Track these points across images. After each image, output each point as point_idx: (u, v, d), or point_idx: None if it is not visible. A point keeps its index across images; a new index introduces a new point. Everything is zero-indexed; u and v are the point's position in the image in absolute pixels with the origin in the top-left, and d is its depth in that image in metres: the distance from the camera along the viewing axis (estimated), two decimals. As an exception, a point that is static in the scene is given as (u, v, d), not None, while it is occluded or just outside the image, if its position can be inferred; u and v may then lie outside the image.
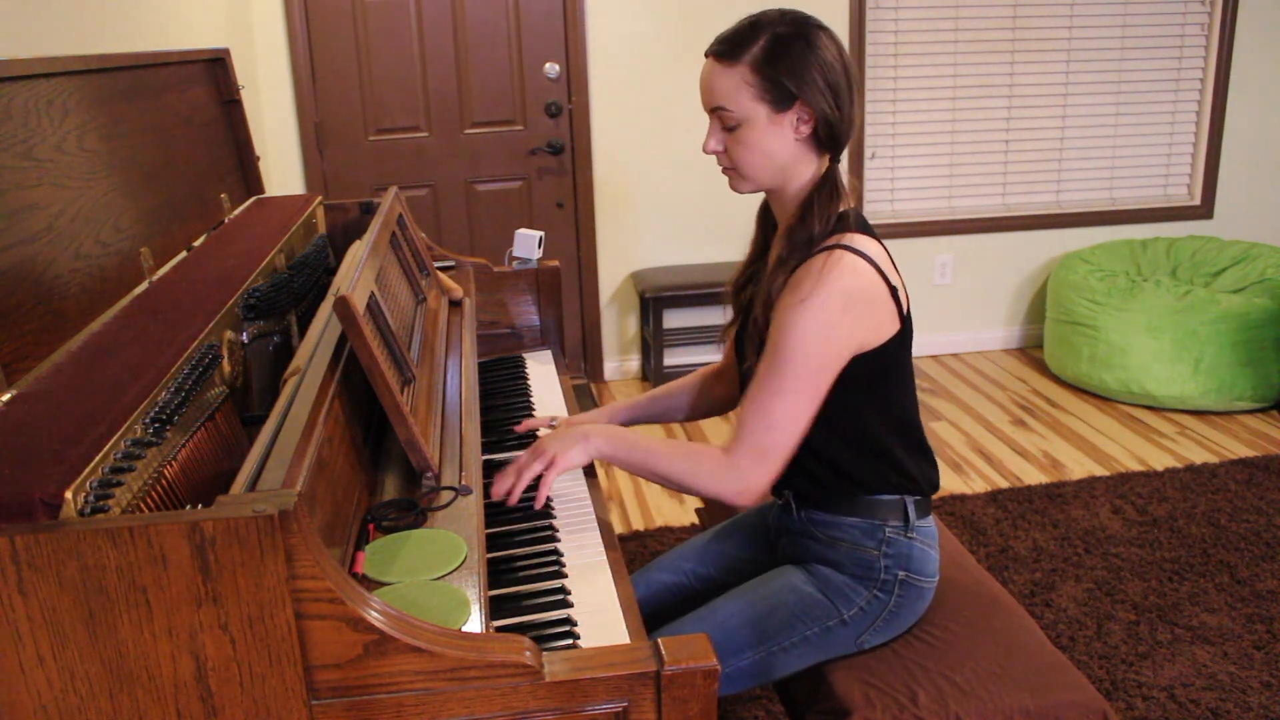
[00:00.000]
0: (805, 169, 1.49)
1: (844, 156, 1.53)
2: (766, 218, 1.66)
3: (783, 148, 1.46)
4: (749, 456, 1.42)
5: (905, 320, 1.49)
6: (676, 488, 1.48)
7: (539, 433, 1.79)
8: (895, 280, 1.47)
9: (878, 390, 1.49)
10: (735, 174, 1.51)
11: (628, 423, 1.83)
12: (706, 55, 1.49)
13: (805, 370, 1.40)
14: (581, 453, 1.49)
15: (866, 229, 1.48)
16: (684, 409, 1.85)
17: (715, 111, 1.48)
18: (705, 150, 1.51)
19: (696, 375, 1.85)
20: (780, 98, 1.43)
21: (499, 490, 1.50)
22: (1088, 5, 4.31)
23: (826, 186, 1.48)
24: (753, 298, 1.60)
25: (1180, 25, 4.40)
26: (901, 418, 1.54)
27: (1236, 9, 4.36)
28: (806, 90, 1.43)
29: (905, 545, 1.53)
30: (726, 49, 1.45)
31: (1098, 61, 4.38)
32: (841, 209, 1.48)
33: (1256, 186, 4.64)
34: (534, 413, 1.92)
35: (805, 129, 1.46)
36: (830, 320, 1.39)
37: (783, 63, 1.42)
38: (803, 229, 1.47)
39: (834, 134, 1.46)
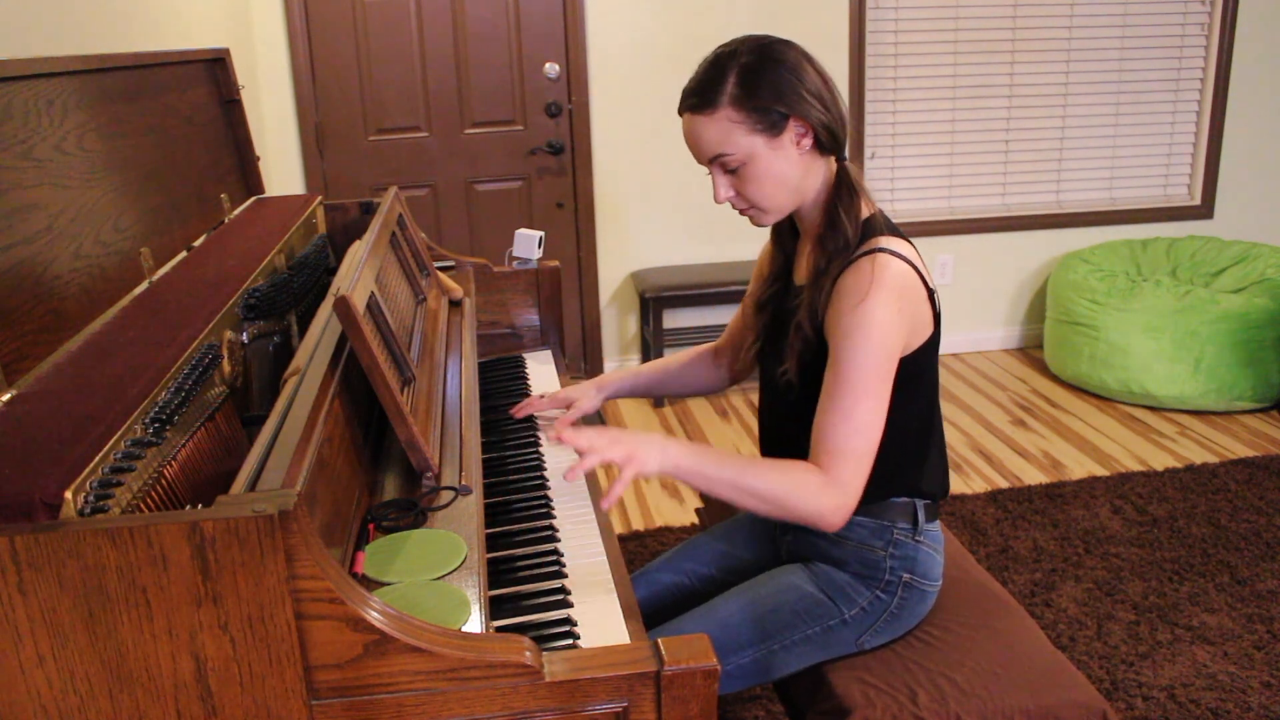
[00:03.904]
0: (816, 177, 1.49)
1: (848, 151, 1.52)
2: (783, 232, 1.63)
3: (791, 167, 1.45)
4: (847, 467, 1.38)
5: (937, 322, 1.49)
6: (769, 508, 1.38)
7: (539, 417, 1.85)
8: (931, 283, 1.47)
9: (907, 394, 1.48)
10: (755, 211, 1.50)
11: (620, 394, 1.87)
12: (681, 112, 1.47)
13: (878, 372, 1.39)
14: (657, 461, 1.36)
15: (896, 231, 1.48)
16: (675, 386, 1.88)
17: (715, 161, 1.46)
18: (717, 201, 1.48)
19: (692, 354, 1.88)
20: (772, 123, 1.42)
21: (568, 439, 1.39)
22: (1088, 5, 4.30)
23: (843, 188, 1.48)
24: (779, 313, 1.59)
25: (1180, 25, 4.40)
26: (925, 422, 1.54)
27: (1236, 9, 4.36)
28: (794, 105, 1.41)
29: (912, 548, 1.53)
30: (701, 99, 1.43)
31: (1098, 61, 4.38)
32: (868, 212, 1.48)
33: (1256, 186, 4.64)
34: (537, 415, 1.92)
35: (806, 141, 1.45)
36: (890, 320, 1.39)
37: (761, 90, 1.41)
38: (835, 236, 1.46)
39: (834, 136, 1.46)
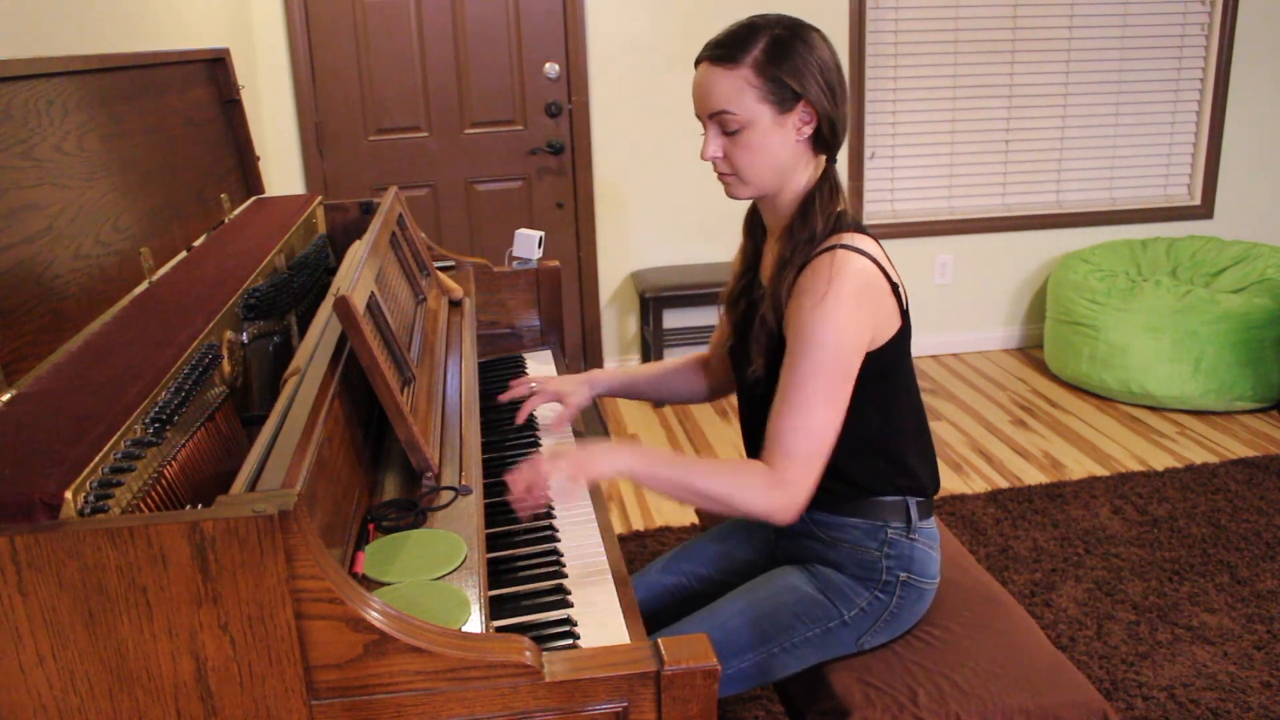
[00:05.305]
0: (803, 171, 1.49)
1: (839, 157, 1.53)
2: (755, 225, 1.65)
3: (785, 149, 1.46)
4: (796, 468, 1.38)
5: (905, 317, 1.49)
6: (718, 507, 1.40)
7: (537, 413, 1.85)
8: (895, 277, 1.48)
9: (880, 390, 1.49)
10: (735, 179, 1.50)
11: (610, 393, 1.87)
12: (699, 62, 1.47)
13: (836, 372, 1.39)
14: (608, 465, 1.38)
15: (860, 228, 1.48)
16: (665, 393, 1.88)
17: (716, 116, 1.46)
18: (704, 157, 1.49)
19: (683, 362, 1.87)
20: (784, 99, 1.43)
21: (518, 487, 1.38)
22: (1088, 5, 4.30)
23: (827, 185, 1.49)
24: (749, 308, 1.59)
25: (1180, 25, 4.40)
26: (904, 418, 1.54)
27: (1236, 9, 4.36)
28: (809, 90, 1.43)
29: (907, 546, 1.53)
30: (725, 52, 1.44)
31: (1098, 61, 4.38)
32: (838, 209, 1.49)
33: (1256, 186, 4.63)
34: (534, 412, 1.91)
35: (807, 129, 1.46)
36: (850, 318, 1.39)
37: (785, 63, 1.42)
38: (805, 227, 1.47)
39: (834, 133, 1.47)
